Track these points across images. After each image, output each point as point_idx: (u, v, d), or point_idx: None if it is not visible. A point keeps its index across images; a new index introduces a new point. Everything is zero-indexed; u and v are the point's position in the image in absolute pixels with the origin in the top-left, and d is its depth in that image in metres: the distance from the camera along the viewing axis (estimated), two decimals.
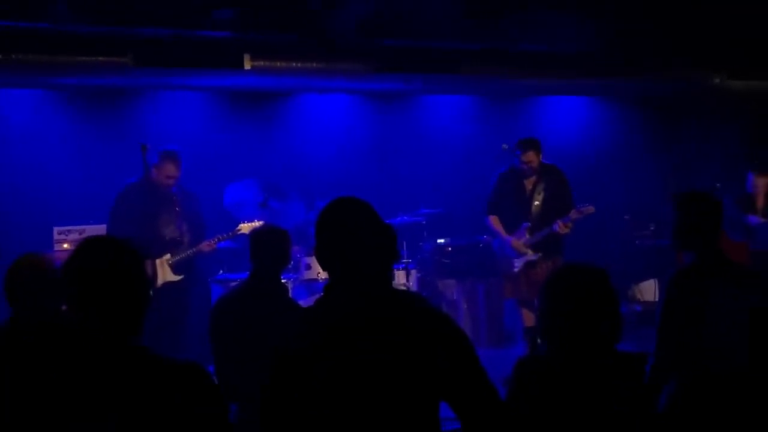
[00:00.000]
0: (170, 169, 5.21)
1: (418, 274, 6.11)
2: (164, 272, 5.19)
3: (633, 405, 2.22)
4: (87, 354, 1.60)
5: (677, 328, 2.68)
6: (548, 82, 6.92)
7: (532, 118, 7.63)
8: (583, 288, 2.10)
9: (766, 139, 7.36)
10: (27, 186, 6.19)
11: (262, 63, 6.02)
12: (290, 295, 5.13)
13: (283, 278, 5.09)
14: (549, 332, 2.17)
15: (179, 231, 5.34)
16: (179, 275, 5.29)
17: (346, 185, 6.90)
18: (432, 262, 6.67)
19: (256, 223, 5.32)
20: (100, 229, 5.40)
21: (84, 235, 5.29)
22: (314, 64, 6.18)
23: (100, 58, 5.57)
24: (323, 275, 5.54)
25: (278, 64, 6.10)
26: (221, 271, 5.78)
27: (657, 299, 7.16)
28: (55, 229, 5.38)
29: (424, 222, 6.51)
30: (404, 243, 6.06)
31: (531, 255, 5.49)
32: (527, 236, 5.51)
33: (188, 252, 5.30)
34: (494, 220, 5.68)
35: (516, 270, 5.57)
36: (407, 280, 5.76)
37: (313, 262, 5.60)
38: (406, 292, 1.97)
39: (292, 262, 5.51)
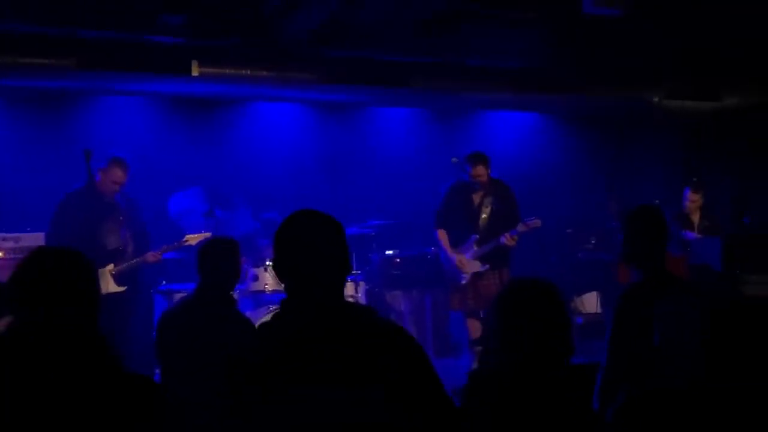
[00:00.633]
0: (118, 174, 5.08)
1: (367, 286, 6.10)
2: (107, 283, 5.03)
3: (584, 417, 2.27)
4: (33, 364, 1.55)
5: (627, 340, 2.75)
6: (495, 96, 7.04)
7: (480, 133, 7.75)
8: (536, 302, 2.14)
9: (700, 156, 7.66)
10: None
11: (210, 70, 5.94)
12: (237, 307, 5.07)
13: None
14: (501, 347, 2.19)
15: (123, 240, 5.20)
16: (122, 286, 5.14)
17: (294, 195, 6.86)
18: (380, 273, 6.68)
19: (204, 235, 5.23)
20: (37, 237, 5.21)
21: (21, 244, 5.10)
22: (264, 73, 6.13)
23: (42, 60, 5.40)
24: (270, 287, 5.48)
25: (227, 71, 6.03)
26: (164, 282, 5.64)
27: (598, 311, 7.37)
28: None
29: (373, 233, 6.52)
30: (353, 254, 6.05)
31: (478, 267, 5.56)
32: (475, 248, 5.59)
33: (132, 262, 5.16)
34: (442, 235, 5.74)
35: (463, 282, 5.63)
36: (356, 292, 5.75)
37: (260, 273, 5.53)
38: (359, 306, 1.97)
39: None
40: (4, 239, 5.16)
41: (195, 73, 5.88)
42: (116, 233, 5.17)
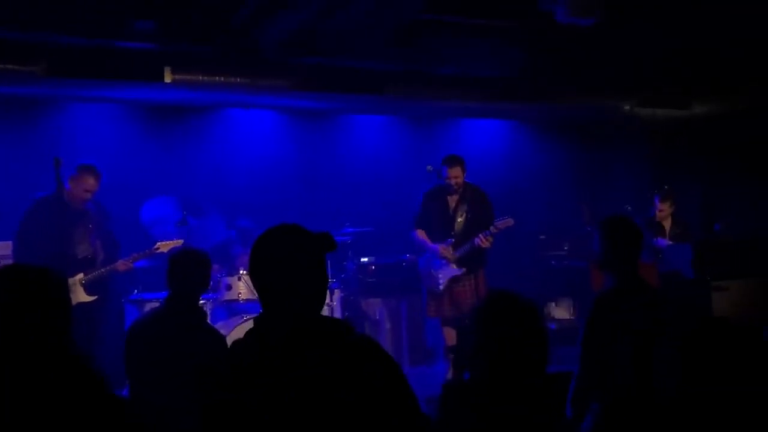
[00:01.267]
0: (89, 182, 5.00)
1: (342, 294, 6.08)
2: (77, 293, 4.94)
3: (558, 425, 2.27)
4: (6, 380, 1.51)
5: (599, 348, 2.77)
6: (469, 104, 7.08)
7: (455, 140, 7.77)
8: (513, 315, 2.14)
9: (671, 164, 7.77)
10: None
11: (183, 76, 5.88)
12: (209, 317, 5.01)
13: (203, 299, 4.97)
14: (477, 358, 2.19)
15: (93, 249, 5.12)
16: (92, 296, 5.05)
17: (269, 203, 6.81)
18: (356, 281, 6.66)
19: (175, 242, 5.16)
20: (5, 246, 5.11)
21: None
22: (238, 79, 6.09)
23: (11, 66, 5.30)
24: (243, 296, 5.43)
25: (200, 77, 5.98)
26: (136, 291, 5.56)
27: (571, 317, 7.42)
28: None
29: (348, 241, 6.50)
30: (328, 262, 6.02)
31: (455, 268, 5.59)
32: (451, 251, 5.62)
33: (102, 271, 5.08)
34: (420, 233, 5.79)
35: (441, 287, 5.64)
36: (331, 300, 5.72)
37: (234, 282, 5.47)
38: (334, 322, 1.94)
39: (210, 284, 5.37)
40: None
41: (168, 79, 5.82)
42: (86, 242, 5.09)
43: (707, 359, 1.36)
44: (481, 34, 6.48)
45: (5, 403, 1.48)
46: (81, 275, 5.02)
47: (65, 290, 1.62)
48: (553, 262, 7.65)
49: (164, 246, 5.14)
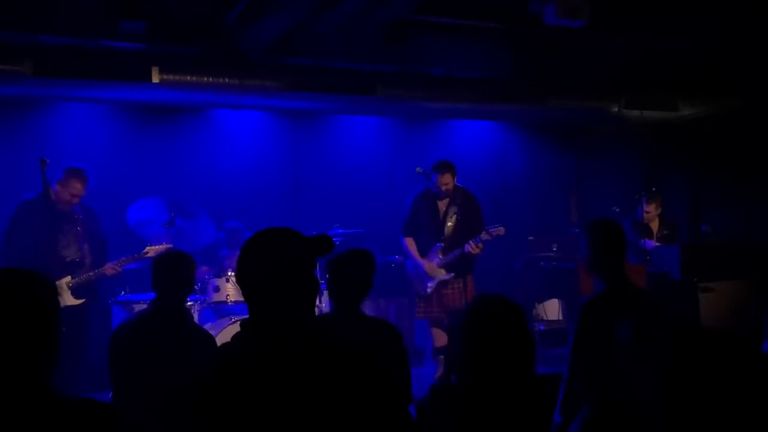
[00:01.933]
0: (77, 186, 4.95)
1: None
2: (63, 296, 4.89)
3: (546, 429, 2.28)
4: None
5: (589, 354, 2.78)
6: (458, 105, 7.09)
7: (444, 141, 7.78)
8: (501, 319, 2.14)
9: (659, 165, 7.81)
10: None
11: (171, 77, 5.86)
12: (196, 318, 4.98)
13: (190, 300, 4.94)
14: (465, 361, 2.19)
15: (80, 252, 5.07)
16: (80, 299, 5.01)
17: (257, 204, 6.80)
18: None
19: (164, 247, 5.13)
20: None
21: None
22: (226, 80, 6.07)
23: None
24: (232, 297, 5.40)
25: (188, 78, 5.96)
26: (123, 292, 5.52)
27: (560, 318, 7.45)
28: None
29: (338, 242, 6.48)
30: (318, 264, 6.00)
31: (444, 275, 5.58)
32: (440, 256, 5.60)
33: (90, 274, 5.03)
34: (410, 243, 5.76)
35: (429, 291, 5.64)
36: (320, 302, 5.70)
37: (222, 284, 5.45)
38: (322, 326, 1.94)
39: (198, 285, 5.35)
40: None
41: (155, 80, 5.79)
42: (74, 245, 5.04)
43: (695, 372, 1.37)
44: (470, 35, 6.50)
45: None
46: (68, 278, 4.97)
47: (54, 300, 1.60)
48: (541, 263, 7.67)
49: (153, 250, 5.10)
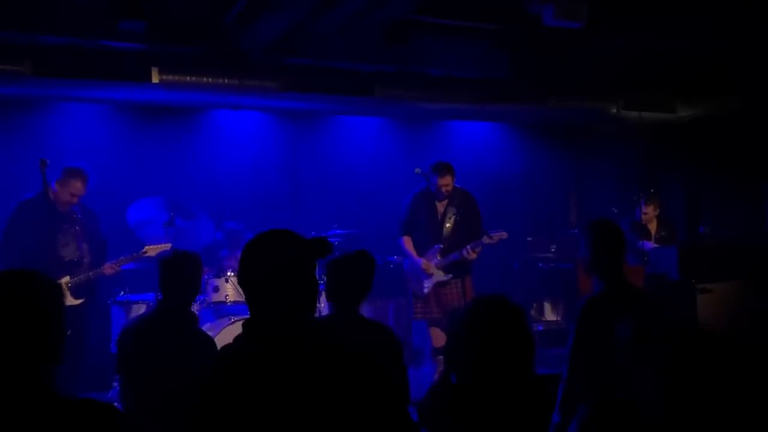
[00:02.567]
0: (77, 186, 4.96)
1: None
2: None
3: (545, 430, 2.29)
4: None
5: (588, 355, 2.79)
6: (457, 105, 7.09)
7: (442, 142, 7.79)
8: (501, 320, 2.15)
9: (658, 166, 7.83)
10: None
11: (171, 77, 5.86)
12: (199, 321, 4.98)
13: None
14: (465, 362, 2.19)
15: (79, 252, 5.08)
16: (79, 299, 5.01)
17: (257, 205, 6.80)
18: None
19: (163, 246, 5.13)
20: None
21: None
22: (226, 80, 6.07)
23: None
24: (231, 298, 5.40)
25: (188, 78, 5.96)
26: (122, 292, 5.53)
27: (558, 319, 7.46)
28: None
29: (336, 243, 6.48)
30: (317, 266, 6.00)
31: (442, 276, 5.57)
32: (439, 258, 5.59)
33: (89, 274, 5.04)
34: (407, 241, 5.74)
35: (426, 291, 5.63)
36: (318, 303, 5.70)
37: (221, 284, 5.45)
38: (321, 328, 1.94)
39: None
40: None
41: (155, 80, 5.80)
42: (72, 244, 5.04)
43: (695, 374, 1.38)
44: (470, 35, 6.51)
45: None
46: (67, 278, 4.97)
47: (60, 299, 1.60)
48: (540, 264, 7.68)
49: (152, 250, 5.11)
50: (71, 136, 6.30)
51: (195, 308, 5.27)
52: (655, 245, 6.17)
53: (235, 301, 5.36)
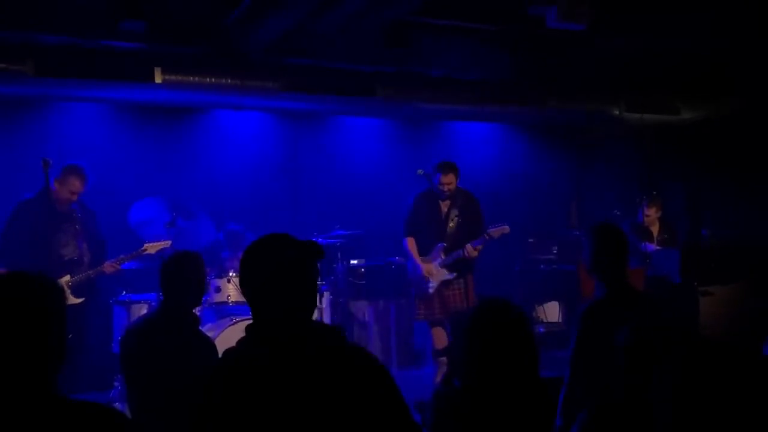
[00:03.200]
0: (75, 184, 4.96)
1: (331, 296, 6.07)
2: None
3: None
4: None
5: (589, 359, 2.78)
6: (459, 107, 7.09)
7: (444, 143, 7.78)
8: (504, 322, 2.15)
9: (659, 168, 7.82)
10: None
11: (173, 77, 5.87)
12: (200, 322, 4.98)
13: None
14: (470, 366, 2.19)
15: (79, 251, 5.08)
16: (79, 298, 5.01)
17: (258, 205, 6.80)
18: (345, 283, 6.65)
19: (163, 243, 5.13)
20: None
21: None
22: (228, 81, 6.08)
23: None
24: (232, 298, 5.40)
25: (191, 78, 5.97)
26: (124, 292, 5.52)
27: (560, 321, 7.45)
28: None
29: (337, 243, 6.48)
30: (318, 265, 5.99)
31: (446, 275, 5.57)
32: (442, 256, 5.60)
33: (89, 273, 5.04)
34: (411, 243, 5.73)
35: (431, 291, 5.63)
36: (320, 303, 5.71)
37: (223, 284, 5.45)
38: (327, 329, 1.94)
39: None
40: None
41: (158, 80, 5.81)
42: (72, 243, 5.05)
43: (694, 379, 1.37)
44: (470, 36, 6.51)
45: None
46: (67, 277, 4.98)
47: (59, 302, 1.60)
48: (542, 266, 7.67)
49: (152, 247, 5.10)
50: (72, 136, 6.30)
51: (197, 309, 5.27)
52: (657, 247, 6.16)
53: (236, 302, 5.36)
